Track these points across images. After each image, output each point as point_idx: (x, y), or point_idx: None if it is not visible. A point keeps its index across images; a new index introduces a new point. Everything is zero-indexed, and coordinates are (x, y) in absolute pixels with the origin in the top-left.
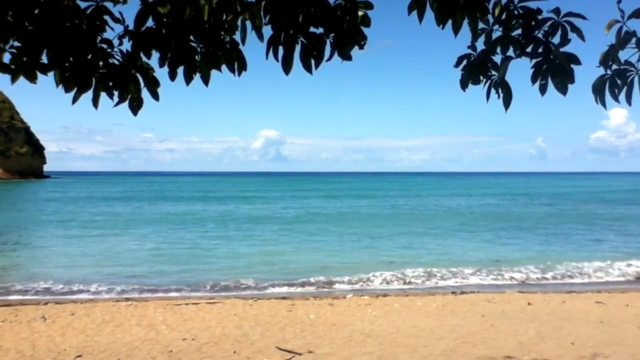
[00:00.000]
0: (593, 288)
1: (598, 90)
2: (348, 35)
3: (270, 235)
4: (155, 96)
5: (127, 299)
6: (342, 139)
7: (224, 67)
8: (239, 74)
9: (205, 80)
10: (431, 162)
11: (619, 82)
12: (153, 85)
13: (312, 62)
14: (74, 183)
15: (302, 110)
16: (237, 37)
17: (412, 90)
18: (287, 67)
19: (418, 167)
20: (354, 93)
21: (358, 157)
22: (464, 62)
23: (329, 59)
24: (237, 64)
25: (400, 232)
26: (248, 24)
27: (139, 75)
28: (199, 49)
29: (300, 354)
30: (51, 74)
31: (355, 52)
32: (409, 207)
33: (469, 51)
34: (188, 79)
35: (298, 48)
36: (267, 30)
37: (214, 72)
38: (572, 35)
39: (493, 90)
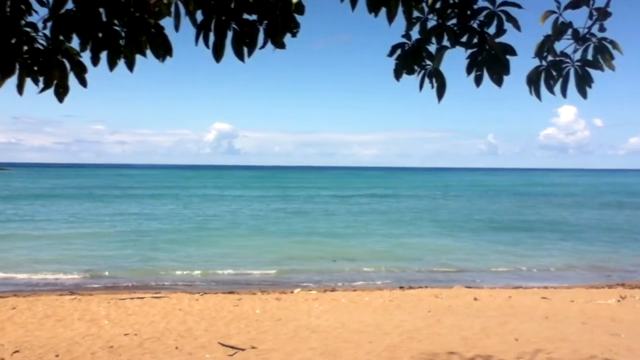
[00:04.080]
0: (539, 284)
1: (533, 81)
2: (281, 23)
3: (220, 231)
4: (83, 82)
5: (72, 293)
6: (294, 133)
7: (149, 53)
8: (164, 60)
9: (130, 65)
10: (383, 157)
11: (554, 73)
12: (79, 71)
13: (245, 49)
14: (21, 176)
15: (255, 104)
16: (171, 22)
17: (365, 85)
18: (217, 54)
19: (370, 162)
20: (309, 87)
21: (310, 151)
22: (398, 51)
23: (262, 47)
24: (162, 49)
25: (350, 227)
26: (183, 9)
27: (65, 61)
28: (122, 34)
29: (243, 350)
30: None
31: (312, 47)
32: (364, 204)
33: (404, 40)
34: (111, 64)
35: (230, 35)
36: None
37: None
38: (508, 26)
39: (427, 81)
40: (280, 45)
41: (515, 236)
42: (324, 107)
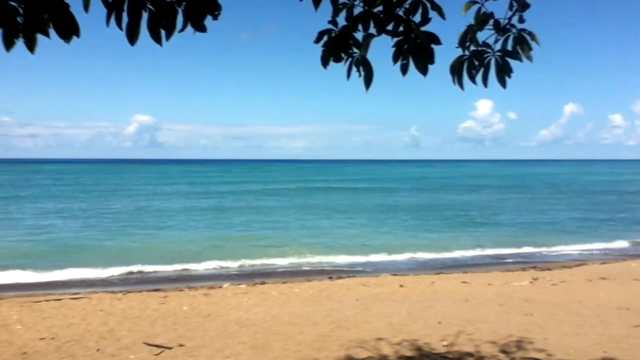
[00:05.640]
0: (460, 269)
1: (456, 71)
2: (202, 4)
3: (143, 228)
4: None
5: None
6: (221, 126)
7: (53, 33)
8: (69, 40)
9: (30, 46)
10: (311, 149)
11: (476, 63)
12: None
13: (162, 32)
14: None
15: (179, 96)
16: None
17: (292, 77)
18: (131, 37)
19: (298, 155)
20: (234, 79)
21: (238, 144)
22: (325, 38)
23: (181, 30)
24: (68, 29)
25: (279, 221)
26: None
27: None
28: (20, 10)
29: (170, 348)
30: None
31: (238, 39)
32: (293, 197)
33: (331, 27)
34: (8, 44)
35: (146, 16)
36: None
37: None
38: (433, 15)
39: (354, 69)
40: (200, 28)
41: (438, 225)
42: (251, 99)
